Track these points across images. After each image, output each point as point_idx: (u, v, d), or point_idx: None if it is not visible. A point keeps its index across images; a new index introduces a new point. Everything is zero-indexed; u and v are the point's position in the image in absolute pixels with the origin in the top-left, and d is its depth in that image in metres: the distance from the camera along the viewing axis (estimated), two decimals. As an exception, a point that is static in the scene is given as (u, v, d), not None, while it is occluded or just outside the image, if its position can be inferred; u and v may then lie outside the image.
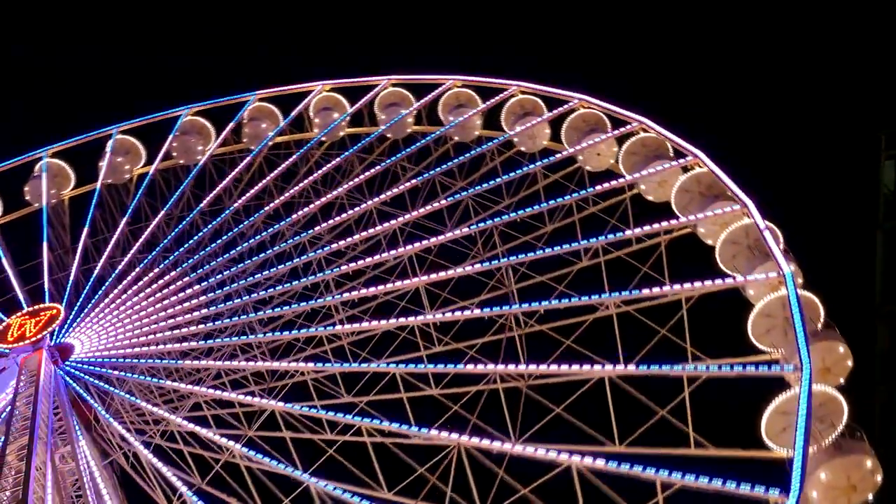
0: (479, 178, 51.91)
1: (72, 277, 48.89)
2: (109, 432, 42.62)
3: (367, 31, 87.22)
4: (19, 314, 45.45)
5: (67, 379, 43.14)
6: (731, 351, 41.09)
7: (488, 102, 55.88)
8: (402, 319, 42.46)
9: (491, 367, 38.40)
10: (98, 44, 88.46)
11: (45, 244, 52.20)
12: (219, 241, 49.72)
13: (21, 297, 48.68)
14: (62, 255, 53.44)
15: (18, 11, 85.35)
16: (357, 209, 49.81)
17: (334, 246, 47.71)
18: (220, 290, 46.58)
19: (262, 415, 42.11)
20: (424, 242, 46.07)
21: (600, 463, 32.42)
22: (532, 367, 38.08)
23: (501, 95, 55.44)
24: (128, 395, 41.84)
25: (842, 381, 38.50)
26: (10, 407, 41.06)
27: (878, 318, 55.81)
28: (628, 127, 50.08)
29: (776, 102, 74.92)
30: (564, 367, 37.52)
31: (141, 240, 50.88)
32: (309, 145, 57.23)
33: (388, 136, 57.71)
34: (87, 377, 43.26)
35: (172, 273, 48.05)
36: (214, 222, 51.33)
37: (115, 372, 43.26)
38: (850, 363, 38.91)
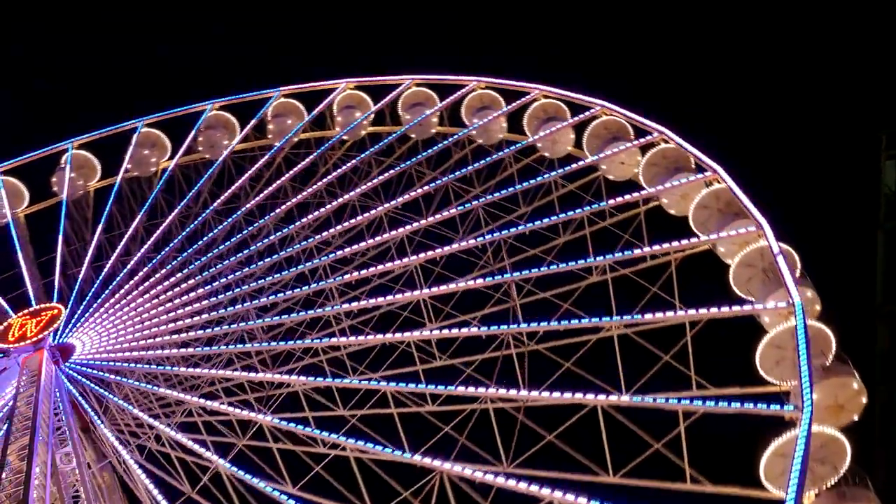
0: (495, 185, 50.81)
1: (81, 275, 48.91)
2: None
3: (392, 29, 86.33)
4: (21, 314, 45.67)
5: (66, 382, 43.08)
6: (739, 378, 39.49)
7: (511, 105, 54.60)
8: (397, 335, 41.58)
9: (482, 390, 37.27)
10: (125, 36, 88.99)
11: (60, 239, 52.27)
12: (228, 243, 49.33)
13: (31, 293, 48.84)
14: (78, 250, 53.52)
15: (47, 3, 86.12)
16: (368, 214, 48.97)
17: (340, 253, 46.89)
18: (224, 294, 46.04)
19: (255, 424, 41.76)
20: (430, 253, 45.04)
21: (582, 501, 31.02)
22: (523, 392, 36.82)
23: (524, 99, 54.20)
24: (121, 401, 41.68)
25: (856, 417, 36.83)
26: (10, 407, 41.01)
27: (879, 318, 55.39)
28: (650, 137, 48.41)
29: (777, 103, 74.35)
30: (556, 395, 36.18)
31: (152, 238, 50.77)
32: (329, 144, 56.64)
33: (413, 136, 56.80)
34: (84, 380, 43.14)
35: (178, 275, 47.78)
36: (226, 223, 50.95)
37: (113, 376, 43.10)
38: (864, 399, 37.10)
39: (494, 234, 45.46)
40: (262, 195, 52.83)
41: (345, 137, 57.89)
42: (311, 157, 55.40)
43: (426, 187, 50.08)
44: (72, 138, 59.79)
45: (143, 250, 49.84)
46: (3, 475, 37.54)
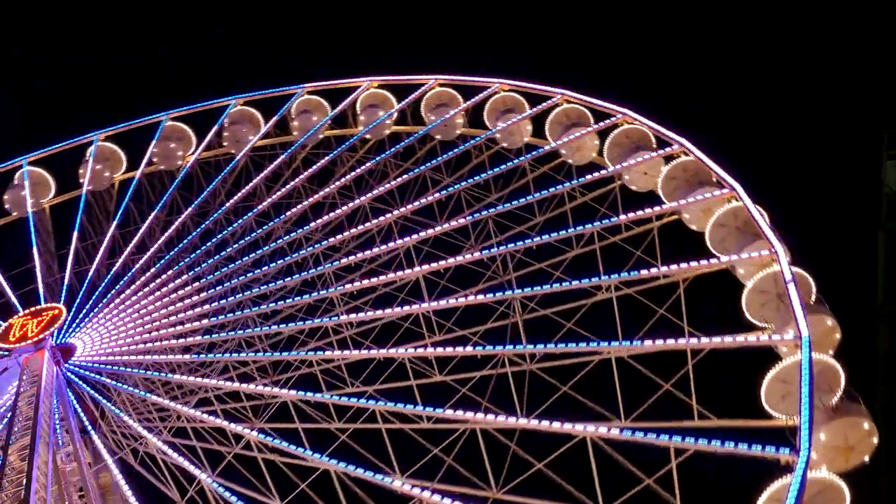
0: (510, 193, 49.58)
1: (91, 272, 48.96)
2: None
3: (417, 29, 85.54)
4: (22, 314, 45.90)
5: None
6: (746, 408, 37.78)
7: (535, 109, 53.20)
8: (392, 351, 40.83)
9: (470, 414, 36.23)
10: (149, 33, 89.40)
11: (75, 234, 52.41)
12: (236, 245, 48.86)
13: (41, 290, 49.01)
14: (95, 244, 53.41)
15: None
16: (377, 220, 48.11)
17: (345, 261, 46.22)
18: (227, 300, 45.69)
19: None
20: (434, 265, 44.19)
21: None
22: (511, 419, 35.73)
23: (547, 103, 52.74)
24: (114, 408, 41.64)
25: (866, 459, 35.00)
26: (11, 407, 41.16)
27: (880, 318, 55.01)
28: (671, 149, 46.68)
29: (778, 101, 73.57)
30: (546, 424, 35.04)
31: (164, 237, 50.54)
32: (349, 143, 55.86)
33: (438, 136, 55.73)
34: (81, 382, 43.19)
35: (185, 276, 47.54)
36: (235, 224, 50.54)
37: (111, 381, 43.06)
38: (875, 440, 35.14)
39: (502, 248, 44.14)
40: (275, 196, 52.29)
41: (367, 137, 57.12)
42: (329, 157, 54.73)
43: (438, 194, 48.96)
44: (97, 130, 60.02)
45: (152, 249, 49.66)
46: (5, 475, 37.66)
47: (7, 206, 59.12)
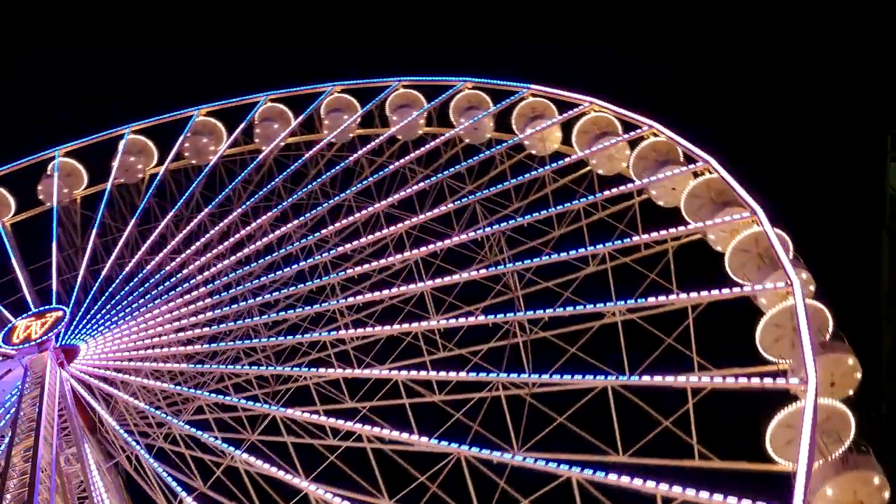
0: (527, 206, 48.14)
1: (104, 273, 48.97)
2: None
3: (446, 31, 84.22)
4: (25, 315, 46.05)
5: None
6: (750, 449, 35.85)
7: (562, 116, 51.57)
8: (385, 372, 39.82)
9: (454, 446, 34.94)
10: (178, 31, 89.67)
11: (94, 231, 52.52)
12: (246, 250, 48.33)
13: (54, 290, 49.19)
14: (116, 239, 53.37)
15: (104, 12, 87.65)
16: (391, 229, 47.02)
17: (351, 271, 45.31)
18: (229, 308, 45.22)
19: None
20: (439, 281, 43.04)
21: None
22: (496, 453, 34.41)
23: (576, 111, 50.96)
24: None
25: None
26: (15, 408, 41.32)
27: (884, 319, 54.86)
28: (695, 166, 44.58)
29: (782, 101, 72.27)
30: (529, 461, 33.81)
31: (178, 238, 50.30)
32: (374, 144, 54.83)
33: (468, 140, 54.43)
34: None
35: (195, 280, 47.19)
36: (253, 225, 50.08)
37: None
38: (886, 495, 33.03)
39: (510, 266, 42.68)
40: (294, 198, 51.57)
41: (399, 137, 56.06)
42: (353, 157, 53.85)
43: (453, 204, 47.65)
44: (128, 125, 60.05)
45: (165, 251, 49.38)
46: (8, 476, 37.81)
47: (40, 197, 59.70)
